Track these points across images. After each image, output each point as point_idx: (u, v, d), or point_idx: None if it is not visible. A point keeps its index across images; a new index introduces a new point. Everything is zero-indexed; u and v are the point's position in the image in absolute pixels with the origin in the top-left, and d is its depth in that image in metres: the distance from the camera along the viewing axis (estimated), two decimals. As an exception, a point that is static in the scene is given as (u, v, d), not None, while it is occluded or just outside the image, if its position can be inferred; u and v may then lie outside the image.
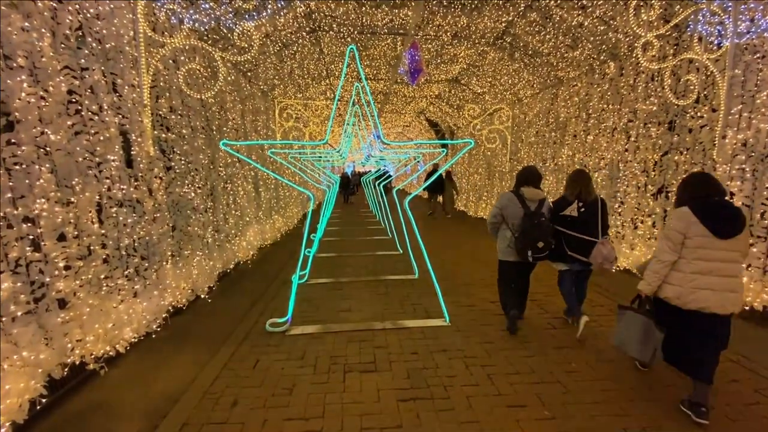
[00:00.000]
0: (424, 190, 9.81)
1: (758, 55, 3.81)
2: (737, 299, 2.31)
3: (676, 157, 4.79)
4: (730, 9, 3.86)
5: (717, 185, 2.38)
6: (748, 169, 3.90)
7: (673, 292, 2.39)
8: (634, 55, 5.29)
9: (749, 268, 3.83)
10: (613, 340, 2.74)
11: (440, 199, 12.58)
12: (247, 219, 6.51)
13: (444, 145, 11.39)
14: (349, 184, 19.60)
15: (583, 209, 3.35)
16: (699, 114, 4.47)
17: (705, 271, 2.30)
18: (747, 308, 3.80)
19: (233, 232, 5.82)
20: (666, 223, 2.61)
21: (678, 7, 4.25)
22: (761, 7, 3.69)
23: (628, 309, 2.65)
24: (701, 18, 4.17)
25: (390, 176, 10.69)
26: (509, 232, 3.42)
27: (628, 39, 5.31)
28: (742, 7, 3.80)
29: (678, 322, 2.42)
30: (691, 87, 4.40)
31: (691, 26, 4.38)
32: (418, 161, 9.32)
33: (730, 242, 2.27)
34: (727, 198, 2.39)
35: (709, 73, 4.26)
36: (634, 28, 4.26)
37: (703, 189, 2.38)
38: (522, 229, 3.32)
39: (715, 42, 4.14)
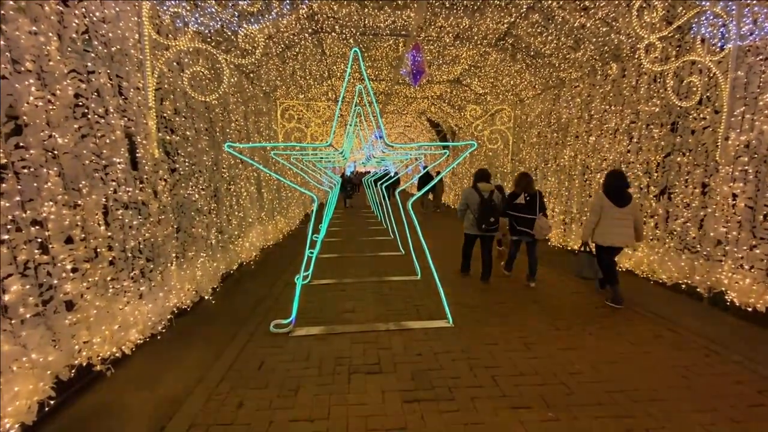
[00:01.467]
0: (418, 189, 11.72)
1: (761, 57, 3.82)
2: (629, 239, 4.26)
3: (678, 159, 4.80)
4: (733, 11, 3.87)
5: (621, 179, 4.22)
6: (750, 171, 3.91)
7: (598, 236, 4.30)
8: (636, 56, 5.30)
9: (752, 270, 3.85)
10: (574, 273, 4.56)
11: (430, 196, 14.34)
12: (250, 220, 6.54)
13: (446, 147, 11.48)
14: (349, 186, 17.11)
15: (528, 198, 4.86)
16: (701, 116, 4.48)
17: (611, 224, 4.20)
18: (750, 310, 3.81)
19: (236, 233, 5.85)
20: (591, 201, 4.84)
21: (681, 9, 4.26)
22: (765, 9, 3.69)
23: (579, 252, 4.48)
24: (704, 20, 4.18)
25: (397, 177, 10.73)
26: (471, 215, 4.99)
27: (630, 41, 5.32)
28: (746, 9, 3.81)
29: (605, 254, 4.32)
30: (694, 89, 4.41)
31: (694, 28, 4.39)
32: (420, 162, 9.35)
33: (625, 209, 4.16)
34: (627, 187, 4.28)
35: (711, 75, 4.27)
36: (637, 30, 4.27)
37: (616, 179, 4.21)
38: (479, 211, 4.86)
39: (718, 44, 4.15)
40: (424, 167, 13.78)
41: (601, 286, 4.64)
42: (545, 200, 5.29)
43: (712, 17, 4.08)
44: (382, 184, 9.74)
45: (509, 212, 4.94)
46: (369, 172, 18.85)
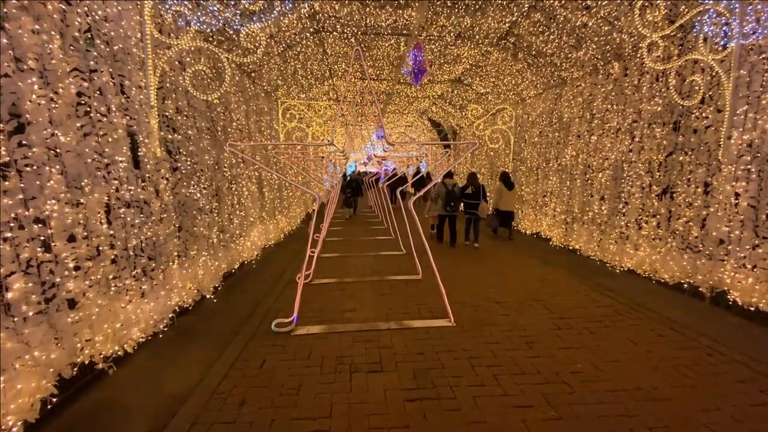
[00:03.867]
0: (411, 186, 13.85)
1: (764, 55, 3.80)
2: (513, 206, 8.36)
3: (680, 158, 4.78)
4: (736, 9, 3.85)
5: (509, 176, 8.23)
6: (753, 170, 3.90)
7: (500, 204, 8.19)
8: (638, 55, 5.28)
9: (755, 269, 3.84)
10: (486, 225, 8.59)
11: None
12: (251, 219, 6.53)
13: (447, 146, 11.53)
14: (350, 189, 12.24)
15: (474, 190, 7.50)
16: (704, 114, 4.47)
17: (505, 199, 8.14)
18: (752, 309, 3.80)
19: (238, 232, 5.85)
20: (495, 188, 8.47)
21: (683, 7, 4.24)
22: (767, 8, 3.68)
23: (491, 214, 8.21)
24: (707, 19, 4.16)
25: (399, 176, 10.77)
26: (440, 201, 7.29)
27: (632, 39, 5.30)
28: (749, 8, 3.79)
29: (503, 216, 8.30)
30: (696, 87, 4.39)
31: (697, 27, 4.38)
32: (421, 162, 9.36)
33: (511, 192, 8.13)
34: (510, 179, 8.21)
35: (714, 74, 4.25)
36: (639, 29, 4.25)
37: (505, 177, 8.14)
38: (445, 198, 7.22)
39: (721, 42, 4.13)
40: (424, 167, 13.89)
41: (494, 232, 8.63)
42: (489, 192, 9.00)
43: (714, 16, 4.07)
44: (384, 183, 9.74)
45: (463, 199, 7.46)
46: (368, 172, 18.82)
